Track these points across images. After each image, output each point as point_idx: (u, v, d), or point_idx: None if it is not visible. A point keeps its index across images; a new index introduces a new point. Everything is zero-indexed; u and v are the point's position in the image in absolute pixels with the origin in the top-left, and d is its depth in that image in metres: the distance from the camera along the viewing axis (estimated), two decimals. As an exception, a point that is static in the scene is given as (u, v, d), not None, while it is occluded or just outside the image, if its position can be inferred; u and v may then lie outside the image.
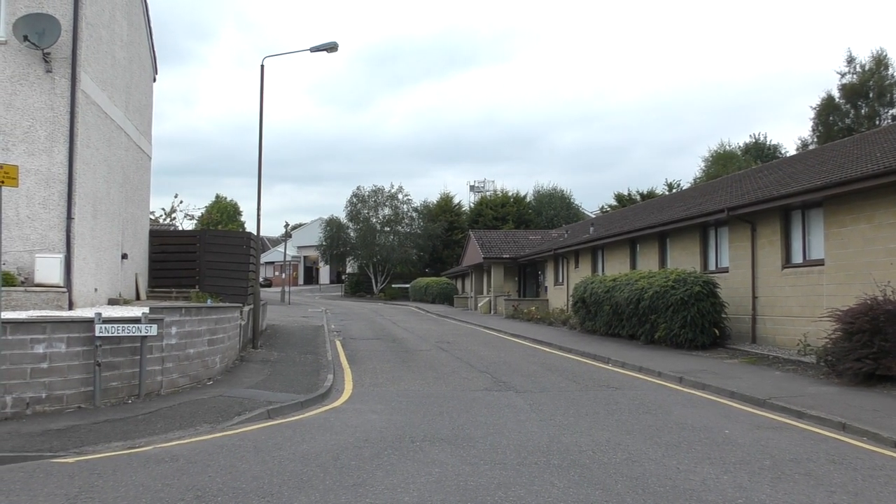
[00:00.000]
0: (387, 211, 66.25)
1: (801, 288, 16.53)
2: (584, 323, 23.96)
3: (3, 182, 9.31)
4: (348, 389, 12.67)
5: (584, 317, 23.98)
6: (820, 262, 16.04)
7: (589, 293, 23.32)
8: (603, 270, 28.45)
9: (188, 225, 45.81)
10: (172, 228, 33.73)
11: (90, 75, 14.78)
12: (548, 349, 20.31)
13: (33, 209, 13.71)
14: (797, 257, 17.08)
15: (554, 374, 14.70)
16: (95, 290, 15.35)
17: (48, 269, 13.38)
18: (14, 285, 13.00)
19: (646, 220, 25.40)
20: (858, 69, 51.68)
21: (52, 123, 13.85)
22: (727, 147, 63.86)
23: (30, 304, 12.94)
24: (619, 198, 61.34)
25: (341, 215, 68.03)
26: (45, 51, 13.67)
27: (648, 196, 56.64)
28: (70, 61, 13.94)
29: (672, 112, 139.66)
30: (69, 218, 13.82)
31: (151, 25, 20.71)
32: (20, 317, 10.26)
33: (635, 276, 21.13)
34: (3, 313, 9.58)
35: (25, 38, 13.47)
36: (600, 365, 16.46)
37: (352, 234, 66.46)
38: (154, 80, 21.74)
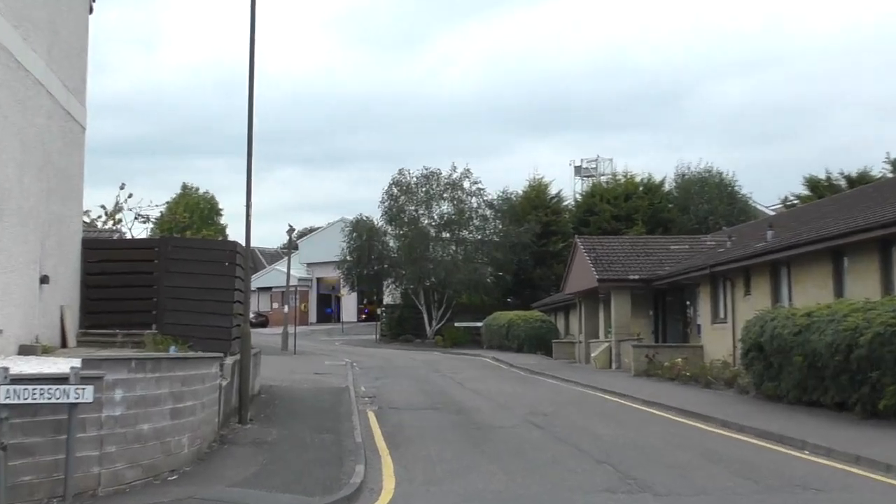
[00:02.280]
0: (446, 207, 66.79)
1: None
2: (763, 383, 23.65)
3: None
4: (389, 489, 12.71)
5: (761, 373, 23.67)
6: None
7: (768, 336, 22.89)
8: (790, 300, 27.92)
9: (141, 231, 46.78)
10: (117, 236, 34.35)
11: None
12: (705, 425, 20.20)
13: None
14: None
15: (716, 468, 14.58)
16: (0, 331, 15.56)
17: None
18: None
19: (858, 220, 24.79)
20: None
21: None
22: None
23: None
24: (813, 184, 60.25)
25: (375, 214, 68.98)
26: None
27: (860, 181, 55.43)
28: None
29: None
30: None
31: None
32: None
33: (843, 307, 20.58)
34: None
35: None
36: (791, 452, 16.25)
37: (391, 244, 66.97)
38: (90, 10, 22.15)
